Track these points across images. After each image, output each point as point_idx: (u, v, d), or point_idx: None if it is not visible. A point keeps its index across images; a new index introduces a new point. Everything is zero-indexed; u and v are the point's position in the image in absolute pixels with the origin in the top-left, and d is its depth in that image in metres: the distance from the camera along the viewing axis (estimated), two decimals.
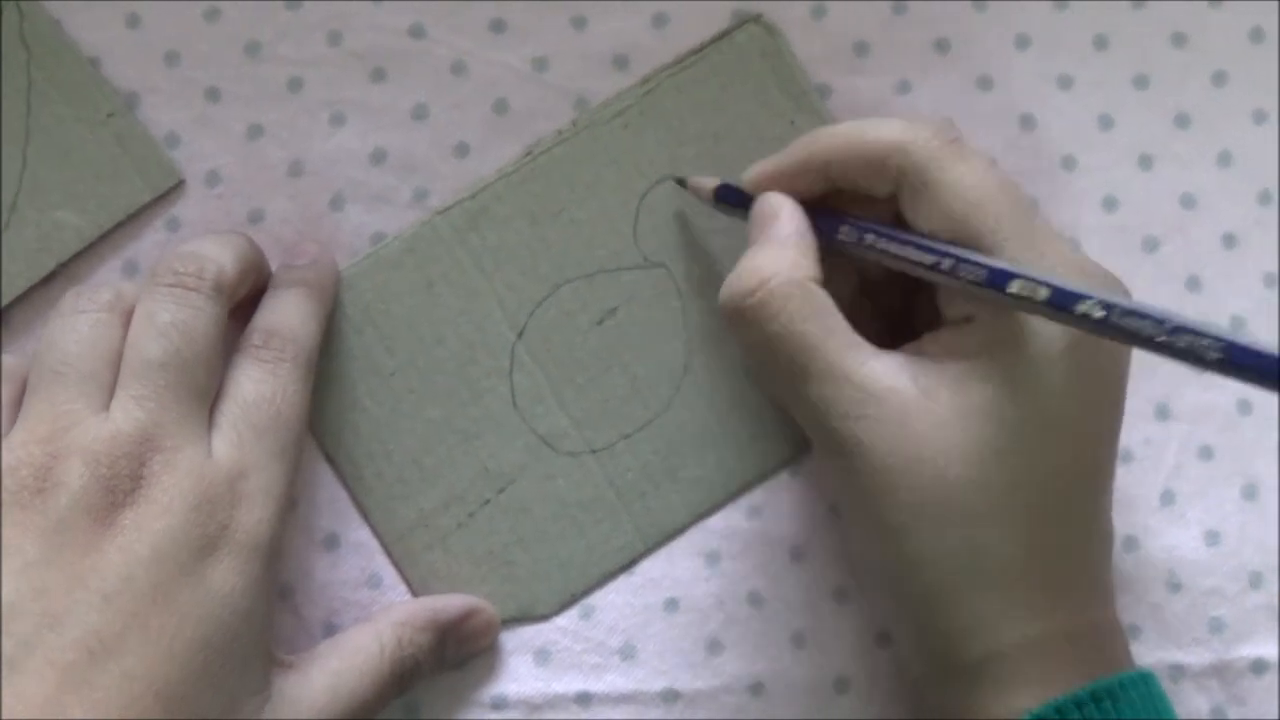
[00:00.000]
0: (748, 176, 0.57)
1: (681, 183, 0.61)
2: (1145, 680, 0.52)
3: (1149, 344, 0.45)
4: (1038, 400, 0.51)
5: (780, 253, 0.54)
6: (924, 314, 0.56)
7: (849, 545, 0.61)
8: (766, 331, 0.53)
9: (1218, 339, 0.44)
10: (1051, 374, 0.51)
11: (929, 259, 0.51)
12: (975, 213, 0.52)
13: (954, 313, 0.53)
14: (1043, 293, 0.48)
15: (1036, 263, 0.51)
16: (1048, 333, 0.51)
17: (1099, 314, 0.46)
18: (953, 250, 0.51)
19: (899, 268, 0.53)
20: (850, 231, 0.54)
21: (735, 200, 0.58)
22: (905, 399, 0.51)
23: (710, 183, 0.60)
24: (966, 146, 0.53)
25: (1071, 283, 0.48)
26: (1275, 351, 0.43)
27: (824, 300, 0.53)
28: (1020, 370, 0.51)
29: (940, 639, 0.53)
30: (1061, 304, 0.47)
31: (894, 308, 0.58)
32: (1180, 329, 0.44)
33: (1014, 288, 0.48)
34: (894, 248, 0.53)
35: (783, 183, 0.56)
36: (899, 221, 0.54)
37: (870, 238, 0.54)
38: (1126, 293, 0.53)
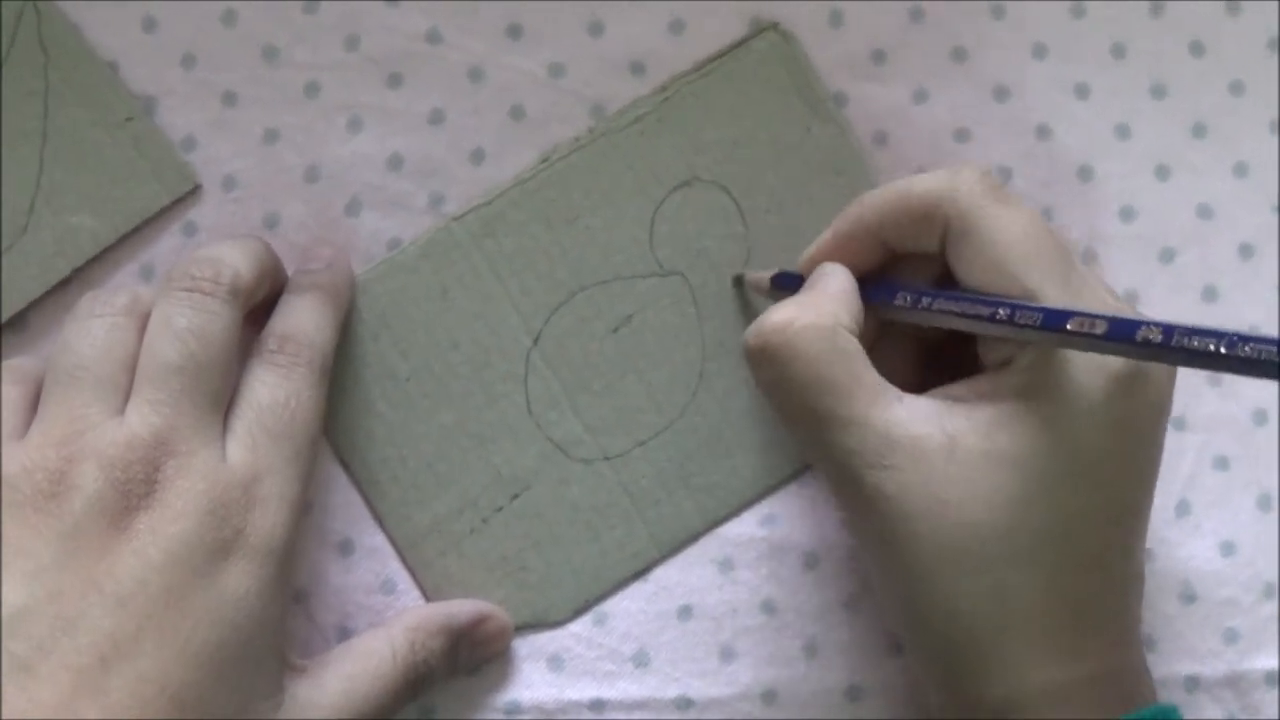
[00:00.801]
0: (803, 259, 0.57)
1: (739, 281, 0.62)
2: (1166, 715, 0.52)
3: (1212, 359, 0.45)
4: (1069, 448, 0.51)
5: (815, 300, 0.54)
6: (966, 364, 0.55)
7: (873, 583, 0.60)
8: (789, 373, 0.52)
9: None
10: (1086, 423, 0.51)
11: (985, 310, 0.51)
12: (1015, 259, 0.51)
13: (994, 357, 0.53)
14: (1100, 326, 0.47)
15: (1066, 305, 0.50)
16: (1085, 382, 0.51)
17: (1158, 338, 0.46)
18: (1008, 300, 0.50)
19: (957, 326, 0.52)
20: (905, 297, 0.54)
21: (792, 285, 0.57)
22: (930, 445, 0.51)
23: (766, 274, 0.60)
24: (1010, 194, 0.53)
25: (1127, 313, 0.48)
26: None
27: (852, 345, 0.52)
28: (1053, 417, 0.51)
29: (961, 681, 0.53)
30: (1121, 334, 0.46)
31: (940, 362, 0.58)
32: (1242, 339, 0.43)
33: (1072, 325, 0.48)
34: (949, 306, 0.52)
35: (836, 255, 0.56)
36: (952, 278, 0.54)
37: (926, 300, 0.53)
38: None
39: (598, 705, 0.61)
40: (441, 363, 0.61)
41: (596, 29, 0.62)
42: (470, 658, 0.60)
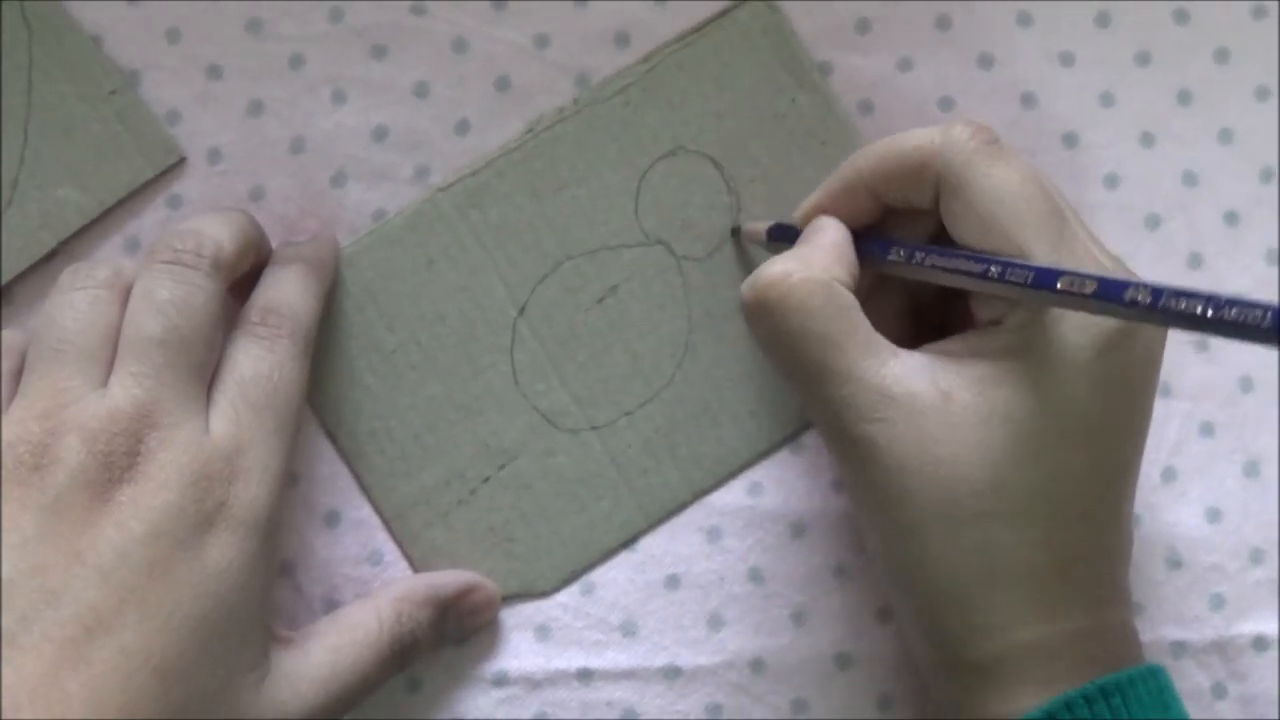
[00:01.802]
0: (798, 212, 0.58)
1: (736, 233, 0.62)
2: (1154, 675, 0.52)
3: (1200, 322, 0.44)
4: (1060, 405, 0.51)
5: (810, 254, 0.54)
6: (959, 320, 0.55)
7: (866, 541, 0.61)
8: (786, 326, 0.53)
9: (1267, 306, 0.43)
10: (1077, 380, 0.51)
11: (977, 268, 0.51)
12: (1006, 216, 0.51)
13: (986, 315, 0.53)
14: (1090, 286, 0.47)
15: (1055, 262, 0.50)
16: (1076, 340, 0.51)
17: (1147, 299, 0.46)
18: (999, 257, 0.50)
19: (949, 282, 0.52)
20: (899, 252, 0.54)
21: (788, 237, 0.58)
22: (924, 401, 0.51)
23: (762, 225, 0.60)
24: (1004, 149, 0.53)
25: (1117, 273, 0.48)
26: None
27: (847, 299, 0.53)
28: (1045, 375, 0.51)
29: (951, 637, 0.53)
30: (1109, 294, 0.46)
31: (933, 317, 0.58)
32: (1229, 302, 0.43)
33: (1062, 284, 0.48)
34: (942, 262, 0.52)
35: (831, 209, 0.57)
36: (946, 234, 0.54)
37: (919, 255, 0.53)
38: None
39: (585, 675, 0.61)
40: (428, 334, 0.61)
41: (581, 0, 0.62)
42: (458, 628, 0.60)
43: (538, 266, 0.61)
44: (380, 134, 0.61)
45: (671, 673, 0.61)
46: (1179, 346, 0.62)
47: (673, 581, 0.61)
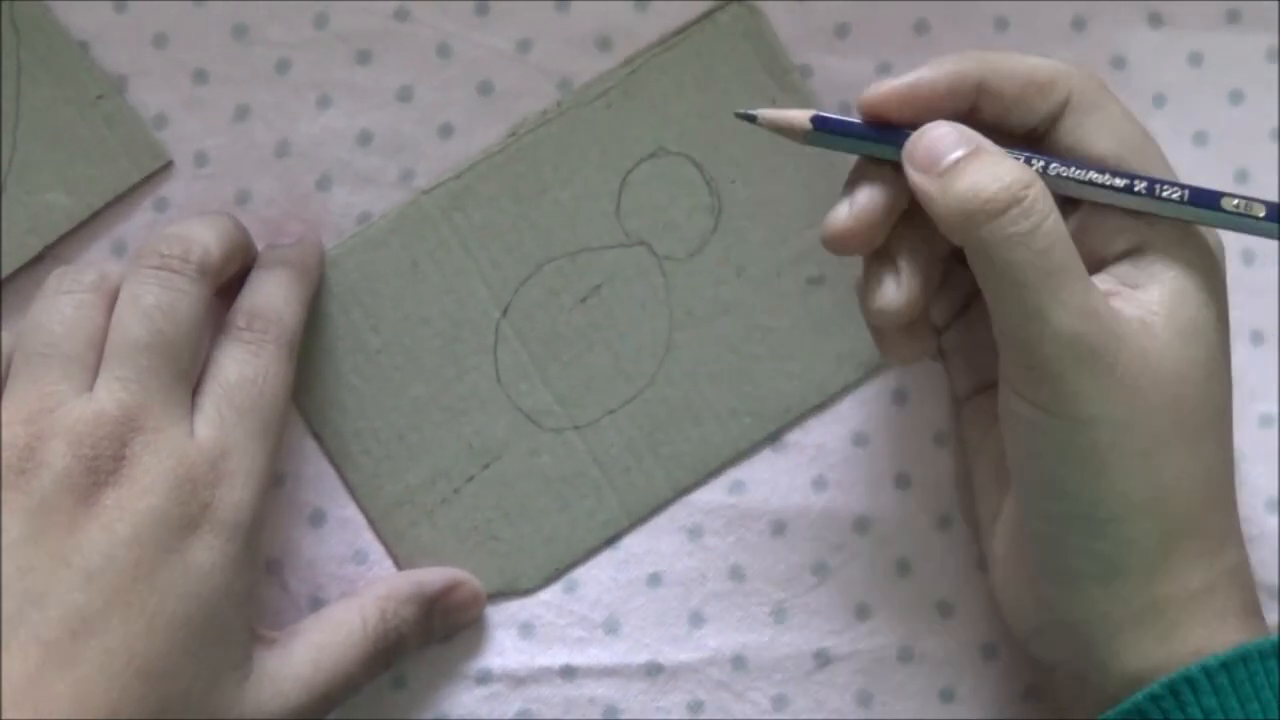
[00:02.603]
0: (872, 95, 0.52)
1: (750, 118, 0.54)
2: None
3: None
4: (1220, 316, 0.52)
5: (1014, 163, 0.50)
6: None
7: (1027, 497, 0.55)
8: (1036, 228, 0.48)
9: None
10: (1219, 291, 0.52)
11: (1120, 182, 0.51)
12: (1139, 135, 0.53)
13: (1119, 246, 0.52)
14: (1258, 209, 0.51)
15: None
16: (1217, 258, 0.53)
17: None
18: (1139, 174, 0.51)
19: (1082, 195, 0.52)
20: (1036, 162, 0.51)
21: (843, 130, 0.52)
22: (1134, 325, 0.50)
23: (800, 115, 0.53)
24: None
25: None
26: None
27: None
28: (1211, 288, 0.52)
29: (1159, 575, 0.51)
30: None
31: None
32: None
33: (1227, 204, 0.51)
34: (1081, 174, 0.51)
35: (922, 103, 0.52)
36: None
37: (1055, 167, 0.51)
38: None
39: (568, 672, 0.61)
40: (412, 335, 0.62)
41: (563, 5, 0.62)
42: (443, 625, 0.60)
43: (520, 268, 0.62)
44: (365, 138, 0.62)
45: (653, 669, 0.61)
46: None
47: (655, 579, 0.62)
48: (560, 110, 0.62)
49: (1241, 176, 0.64)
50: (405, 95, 0.62)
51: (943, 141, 0.50)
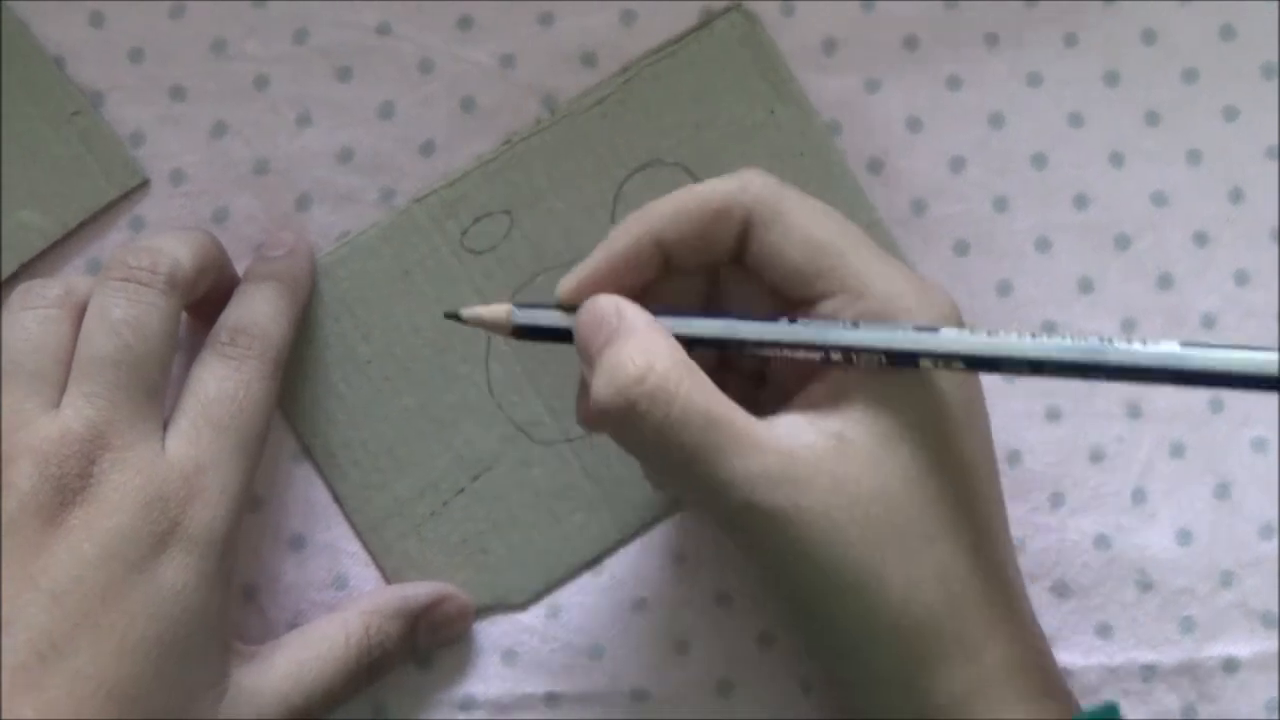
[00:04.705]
0: (566, 287, 0.53)
1: (456, 317, 0.54)
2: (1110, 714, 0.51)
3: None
4: (941, 421, 0.51)
5: (650, 338, 0.50)
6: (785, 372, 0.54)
7: (791, 623, 0.60)
8: (665, 418, 0.48)
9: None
10: (945, 401, 0.51)
11: (816, 355, 0.50)
12: (829, 232, 0.51)
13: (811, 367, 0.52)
14: (958, 364, 0.49)
15: (884, 274, 0.51)
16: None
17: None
18: (838, 337, 0.50)
19: (764, 354, 0.52)
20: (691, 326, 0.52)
21: (542, 331, 0.53)
22: (824, 450, 0.49)
23: (496, 309, 0.54)
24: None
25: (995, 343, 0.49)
26: None
27: (708, 379, 0.49)
28: (915, 394, 0.50)
29: (919, 683, 0.50)
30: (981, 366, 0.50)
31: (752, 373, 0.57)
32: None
33: (925, 364, 0.49)
34: (769, 334, 0.51)
35: (612, 278, 0.52)
36: (717, 285, 0.54)
37: (732, 326, 0.52)
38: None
39: (552, 699, 0.61)
40: (403, 345, 0.61)
41: (547, 20, 0.62)
42: (430, 640, 0.60)
43: (513, 278, 0.62)
44: (345, 155, 0.61)
45: (639, 696, 0.61)
46: None
47: (640, 605, 0.61)
48: (555, 119, 0.62)
49: (1236, 196, 0.63)
50: (386, 112, 0.61)
51: (585, 330, 0.51)
